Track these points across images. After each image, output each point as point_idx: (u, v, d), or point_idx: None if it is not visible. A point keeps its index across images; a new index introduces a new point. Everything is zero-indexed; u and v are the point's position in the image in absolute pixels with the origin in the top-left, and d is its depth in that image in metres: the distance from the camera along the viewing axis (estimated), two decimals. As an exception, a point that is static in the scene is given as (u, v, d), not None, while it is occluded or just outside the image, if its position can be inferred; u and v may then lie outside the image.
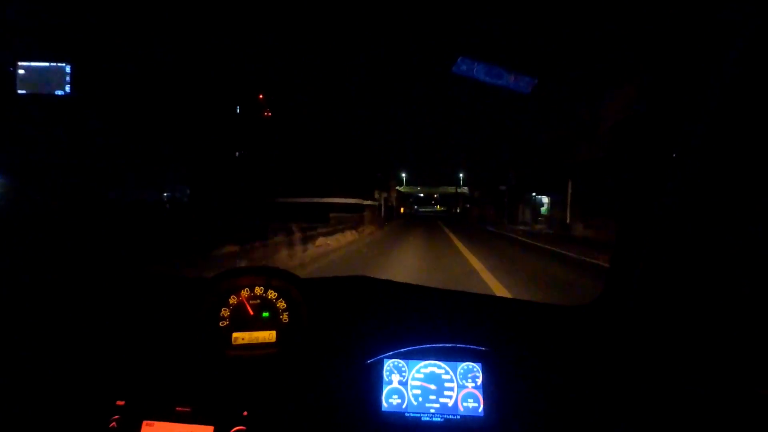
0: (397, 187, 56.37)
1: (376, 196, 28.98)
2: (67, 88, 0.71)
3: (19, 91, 0.71)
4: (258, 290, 0.94)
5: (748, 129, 0.65)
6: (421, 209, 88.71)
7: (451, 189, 69.00)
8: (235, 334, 0.91)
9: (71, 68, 0.70)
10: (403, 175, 67.99)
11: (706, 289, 0.73)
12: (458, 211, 66.20)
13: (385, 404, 0.86)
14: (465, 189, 62.78)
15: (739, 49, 0.63)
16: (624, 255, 0.86)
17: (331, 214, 16.98)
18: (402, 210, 50.43)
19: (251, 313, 0.93)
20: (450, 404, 0.86)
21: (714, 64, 0.66)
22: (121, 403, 0.78)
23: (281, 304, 0.94)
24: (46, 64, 0.71)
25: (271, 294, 0.95)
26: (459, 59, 1.39)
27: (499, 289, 5.06)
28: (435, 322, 0.96)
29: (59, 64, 0.71)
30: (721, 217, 0.70)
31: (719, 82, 0.65)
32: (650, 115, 0.81)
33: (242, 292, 0.94)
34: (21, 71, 0.71)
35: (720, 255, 0.71)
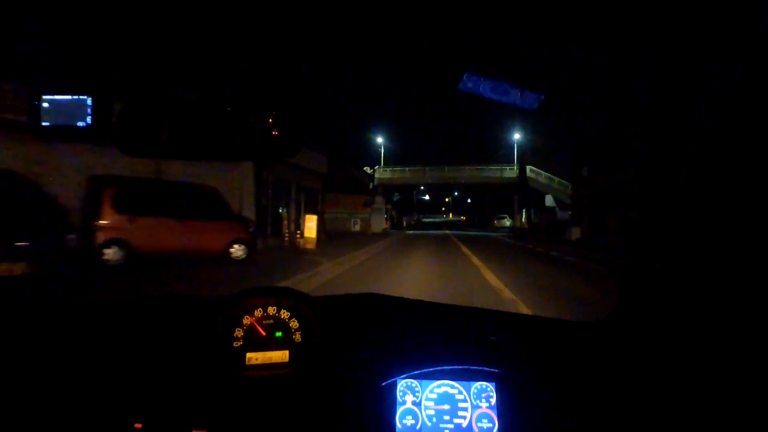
0: (367, 168, 33.10)
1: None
2: (89, 120, 0.74)
3: (43, 123, 0.74)
4: (271, 310, 0.95)
5: (765, 130, 0.62)
6: (426, 218, 53.38)
7: (498, 173, 34.03)
8: (248, 355, 0.92)
9: (92, 100, 0.74)
10: (379, 140, 36.80)
11: (726, 303, 0.72)
12: (539, 225, 28.14)
13: (399, 425, 0.85)
14: (536, 173, 30.73)
15: (753, 44, 0.61)
16: (638, 267, 0.85)
17: None
18: (307, 234, 12.48)
19: (264, 333, 0.94)
20: (464, 425, 0.85)
21: (726, 62, 0.64)
22: (138, 426, 0.79)
23: (294, 324, 0.95)
24: (69, 97, 0.74)
25: (284, 314, 0.95)
26: (465, 76, 1.42)
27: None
28: (448, 341, 0.95)
29: (81, 97, 0.74)
30: (740, 224, 0.68)
31: (732, 80, 0.63)
32: (660, 117, 0.80)
33: (255, 312, 0.95)
34: (45, 104, 0.74)
35: (741, 264, 0.69)
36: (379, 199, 29.38)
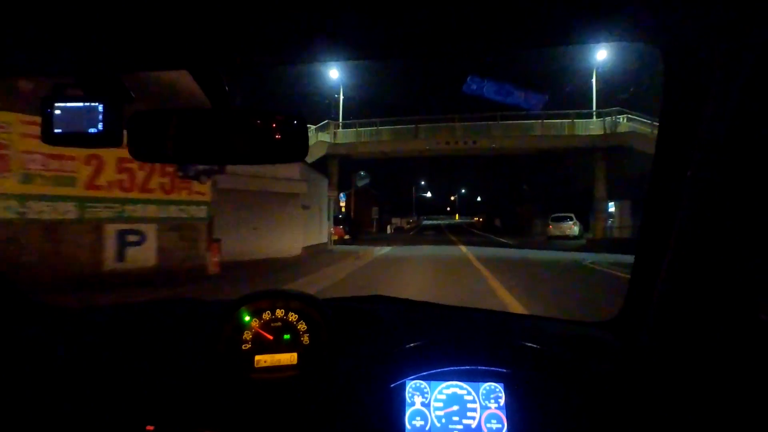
0: (311, 126, 15.58)
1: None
2: (100, 126, 0.75)
3: (56, 130, 0.75)
4: (279, 312, 0.96)
5: None
6: (427, 220, 41.28)
7: (560, 129, 17.52)
8: (257, 357, 0.92)
9: (104, 107, 0.75)
10: (335, 74, 20.79)
11: (733, 305, 0.71)
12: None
13: (408, 426, 0.85)
14: (647, 125, 15.37)
15: (758, 45, 0.61)
16: (644, 267, 0.85)
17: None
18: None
19: (272, 336, 0.94)
20: (473, 426, 0.85)
21: (732, 64, 0.64)
22: (150, 428, 0.80)
23: (302, 326, 0.95)
24: (81, 104, 0.75)
25: (292, 316, 0.96)
26: (469, 78, 1.42)
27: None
28: (456, 341, 0.95)
29: (92, 104, 0.75)
30: (746, 224, 0.68)
31: (739, 79, 0.63)
32: (667, 116, 0.79)
33: (263, 314, 0.96)
34: (57, 111, 0.75)
35: (748, 266, 0.69)
36: (293, 173, 12.40)
